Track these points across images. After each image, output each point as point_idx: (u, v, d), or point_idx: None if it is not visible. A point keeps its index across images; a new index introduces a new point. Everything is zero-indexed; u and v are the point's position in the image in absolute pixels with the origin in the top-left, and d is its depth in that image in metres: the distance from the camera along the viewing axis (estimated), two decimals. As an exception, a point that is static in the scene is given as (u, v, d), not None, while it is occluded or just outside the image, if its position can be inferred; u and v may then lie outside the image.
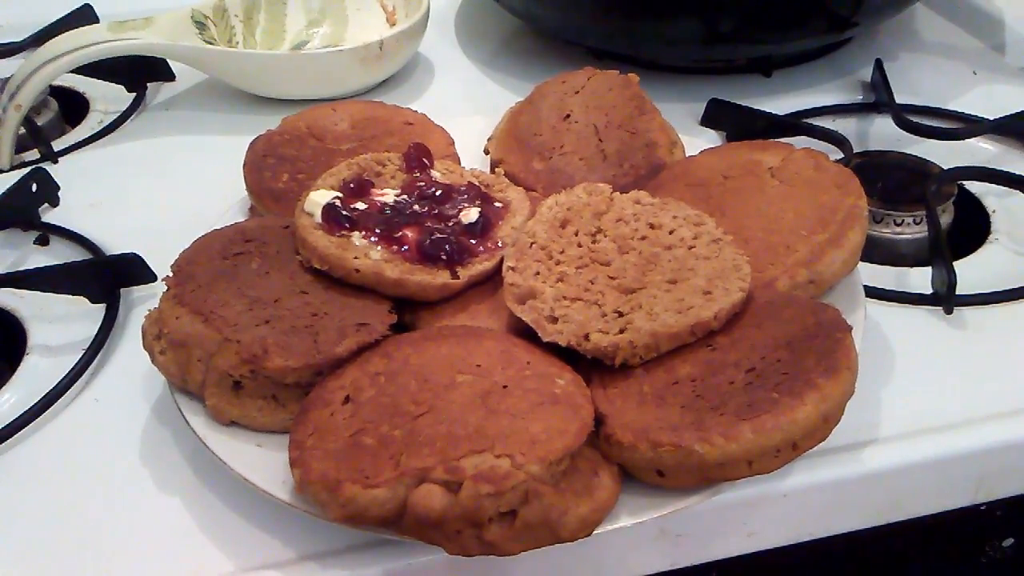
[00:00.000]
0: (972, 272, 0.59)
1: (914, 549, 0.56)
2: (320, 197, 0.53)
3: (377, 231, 0.52)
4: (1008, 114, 0.72)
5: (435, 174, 0.57)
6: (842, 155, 0.68)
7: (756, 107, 0.74)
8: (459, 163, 0.62)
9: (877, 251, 0.62)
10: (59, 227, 0.68)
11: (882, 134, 0.74)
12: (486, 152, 0.65)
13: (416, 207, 0.54)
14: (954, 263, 0.57)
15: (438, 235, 0.52)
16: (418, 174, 0.57)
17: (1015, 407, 0.51)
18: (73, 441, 0.52)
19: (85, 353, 0.56)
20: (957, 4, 0.92)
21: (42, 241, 0.67)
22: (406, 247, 0.51)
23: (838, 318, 0.45)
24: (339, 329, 0.48)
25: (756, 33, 0.76)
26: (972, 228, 0.65)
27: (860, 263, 0.52)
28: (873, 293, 0.58)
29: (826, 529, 0.50)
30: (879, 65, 0.78)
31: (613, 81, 0.65)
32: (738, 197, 0.54)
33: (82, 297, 0.60)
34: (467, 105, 0.82)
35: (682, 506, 0.42)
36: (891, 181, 0.66)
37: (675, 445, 0.41)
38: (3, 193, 0.68)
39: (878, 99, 0.77)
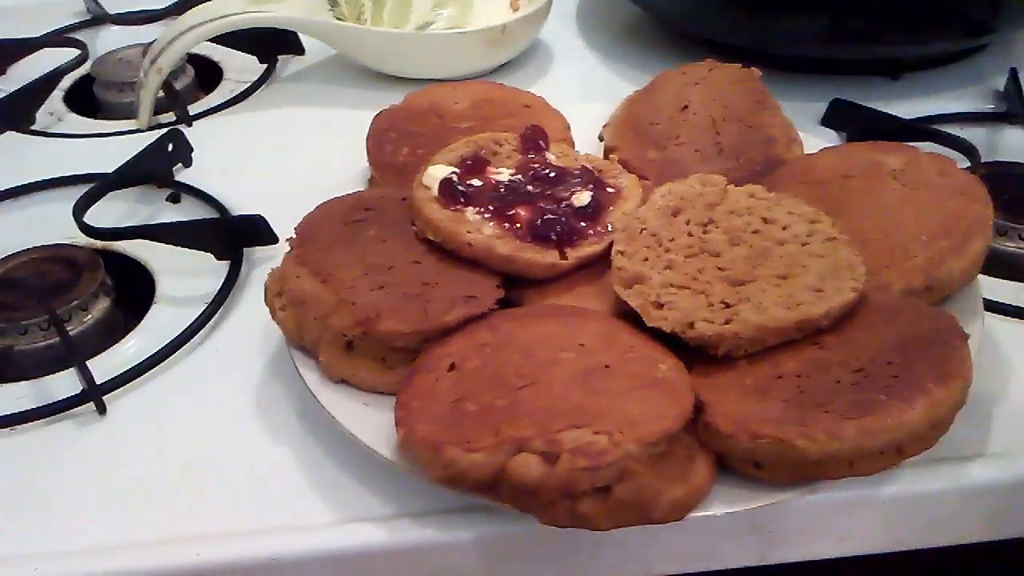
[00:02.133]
0: (1100, 293, 0.57)
1: (1015, 569, 0.54)
2: (438, 172, 0.55)
3: (490, 208, 0.53)
4: None
5: (550, 156, 0.58)
6: (969, 164, 0.66)
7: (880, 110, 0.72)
8: (574, 147, 0.63)
9: (999, 265, 0.60)
10: (191, 186, 0.71)
11: (1013, 145, 0.71)
12: (600, 139, 0.65)
13: (529, 187, 0.55)
14: (1081, 282, 0.55)
15: (550, 215, 0.53)
16: (533, 156, 0.58)
17: None
18: (192, 389, 0.55)
19: (208, 306, 0.59)
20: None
21: (174, 199, 0.71)
22: (518, 225, 0.52)
23: (955, 325, 0.44)
24: (448, 299, 0.49)
25: (886, 33, 0.74)
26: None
27: (981, 275, 0.51)
28: (993, 307, 0.56)
29: (924, 541, 0.49)
30: (1014, 75, 0.75)
31: (734, 74, 0.65)
32: (857, 198, 0.53)
33: (208, 253, 0.63)
34: (584, 92, 0.82)
35: (776, 500, 0.42)
36: (1020, 193, 0.63)
37: (775, 438, 0.41)
38: (142, 152, 0.72)
39: (1010, 109, 0.74)
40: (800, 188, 0.55)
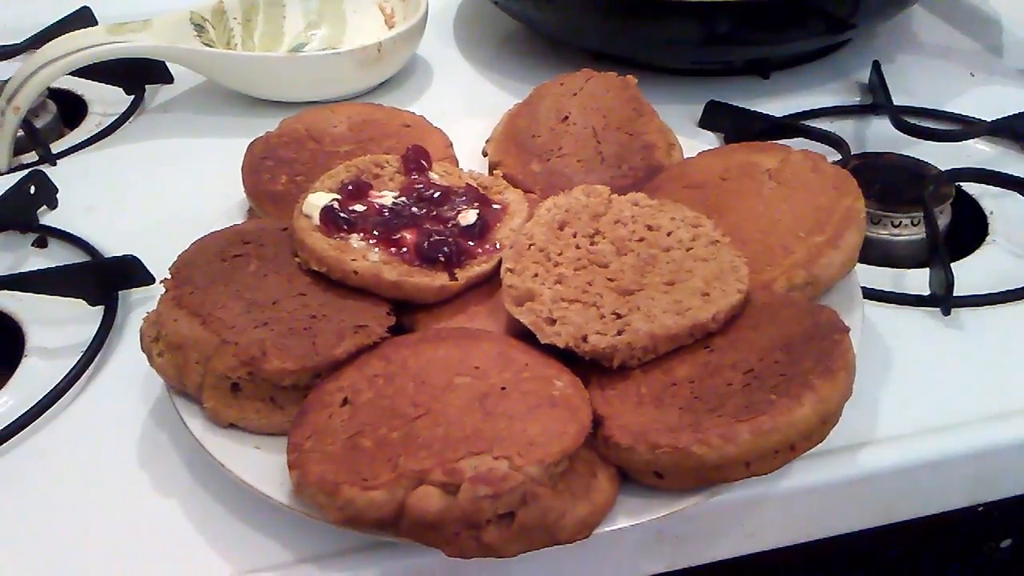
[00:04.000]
0: (969, 273, 0.59)
1: (912, 550, 0.56)
2: (318, 199, 0.53)
3: (375, 233, 0.52)
4: (1006, 115, 0.72)
5: (433, 176, 0.57)
6: (840, 157, 0.68)
7: (753, 109, 0.74)
8: (457, 165, 0.62)
9: (875, 252, 0.62)
10: (57, 229, 0.68)
11: (879, 136, 0.74)
12: (484, 154, 0.65)
13: (414, 209, 0.54)
14: (951, 264, 0.57)
15: (436, 237, 0.52)
16: (416, 176, 0.57)
17: (1012, 408, 0.51)
18: (71, 444, 0.52)
19: (83, 355, 0.56)
20: (954, 6, 0.92)
21: (40, 243, 0.67)
22: (404, 249, 0.51)
23: (836, 319, 0.45)
24: (337, 331, 0.48)
25: (754, 35, 0.76)
26: (969, 229, 0.65)
27: (858, 264, 0.53)
28: (871, 295, 0.58)
29: (824, 530, 0.50)
30: (876, 67, 0.78)
31: (611, 83, 0.65)
32: (736, 199, 0.54)
33: (80, 299, 0.60)
34: (465, 107, 0.82)
35: (680, 508, 0.42)
36: (888, 182, 0.66)
37: (673, 447, 0.41)
38: (1, 195, 0.68)
39: (875, 101, 0.77)
40: (681, 192, 0.56)
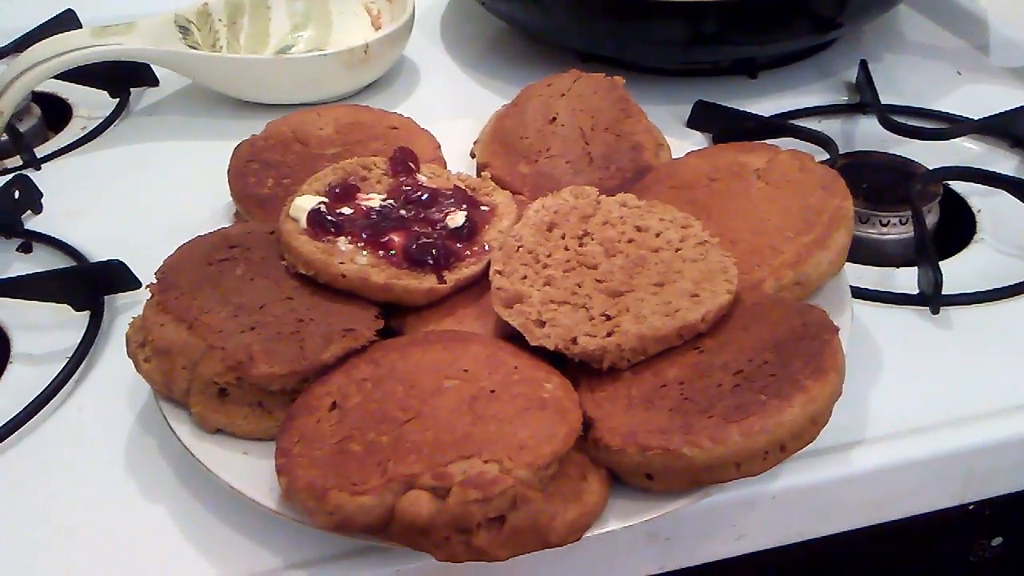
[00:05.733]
0: (958, 272, 0.59)
1: (903, 549, 0.56)
2: (305, 202, 0.53)
3: (363, 236, 0.52)
4: (992, 114, 0.72)
5: (421, 178, 0.57)
6: (828, 156, 0.68)
7: (742, 108, 0.74)
8: (445, 167, 0.62)
9: (863, 251, 0.63)
10: (42, 234, 0.67)
11: (867, 135, 0.74)
12: (472, 156, 0.65)
13: (402, 212, 0.54)
14: (940, 263, 0.58)
15: (424, 239, 0.51)
16: (404, 178, 0.57)
17: (1002, 406, 0.51)
18: (57, 451, 0.52)
19: (69, 361, 0.56)
20: (941, 5, 0.93)
21: (25, 248, 0.67)
22: (392, 252, 0.51)
23: (825, 319, 0.45)
24: (325, 335, 0.47)
25: (741, 35, 0.76)
26: (957, 228, 0.65)
27: (846, 264, 0.53)
28: (860, 294, 0.58)
29: (815, 531, 0.50)
30: (864, 66, 0.79)
31: (599, 84, 0.65)
32: (724, 199, 0.54)
33: (66, 305, 0.59)
34: (453, 108, 0.82)
35: (671, 509, 0.42)
36: (876, 181, 0.66)
37: (663, 448, 0.41)
38: (-15, 200, 0.67)
39: (863, 100, 0.77)
40: (669, 193, 0.55)
